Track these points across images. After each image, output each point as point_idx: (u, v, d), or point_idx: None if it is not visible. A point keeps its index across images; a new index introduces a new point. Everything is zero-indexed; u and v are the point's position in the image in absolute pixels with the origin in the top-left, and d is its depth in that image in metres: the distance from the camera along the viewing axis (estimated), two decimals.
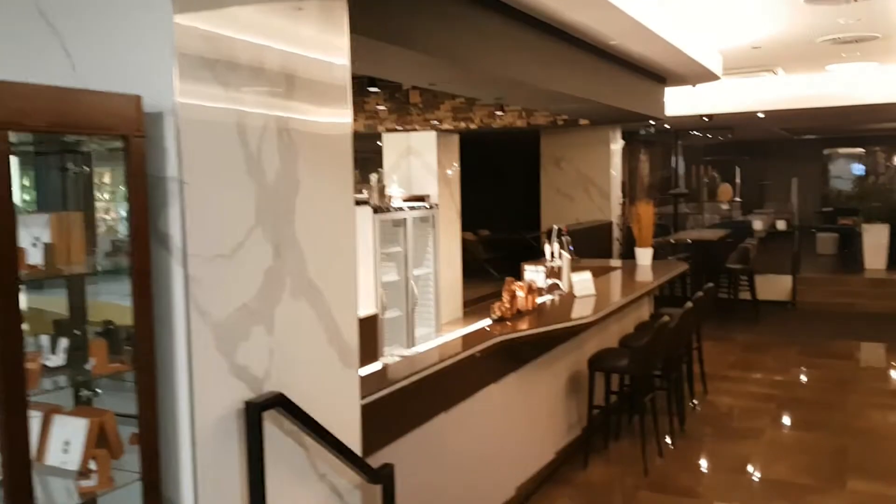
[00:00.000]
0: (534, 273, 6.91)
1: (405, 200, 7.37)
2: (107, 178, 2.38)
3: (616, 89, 6.50)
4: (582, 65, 5.70)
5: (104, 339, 2.24)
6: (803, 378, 7.48)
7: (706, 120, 11.71)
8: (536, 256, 6.46)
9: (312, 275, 2.58)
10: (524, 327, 4.31)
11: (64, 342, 2.13)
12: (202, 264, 2.17)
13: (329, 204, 2.68)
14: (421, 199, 7.60)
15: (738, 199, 17.90)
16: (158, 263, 2.14)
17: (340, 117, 2.74)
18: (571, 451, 5.13)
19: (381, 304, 6.59)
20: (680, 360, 5.85)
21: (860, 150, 20.19)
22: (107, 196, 2.36)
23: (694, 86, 8.93)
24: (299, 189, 2.53)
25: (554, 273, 6.16)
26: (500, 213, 14.87)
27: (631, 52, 6.07)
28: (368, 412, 2.93)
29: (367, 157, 9.30)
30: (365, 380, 3.19)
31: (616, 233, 12.01)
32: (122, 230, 2.16)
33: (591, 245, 10.57)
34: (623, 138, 13.05)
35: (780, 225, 14.27)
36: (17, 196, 1.98)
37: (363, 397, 2.96)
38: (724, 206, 16.64)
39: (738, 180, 19.09)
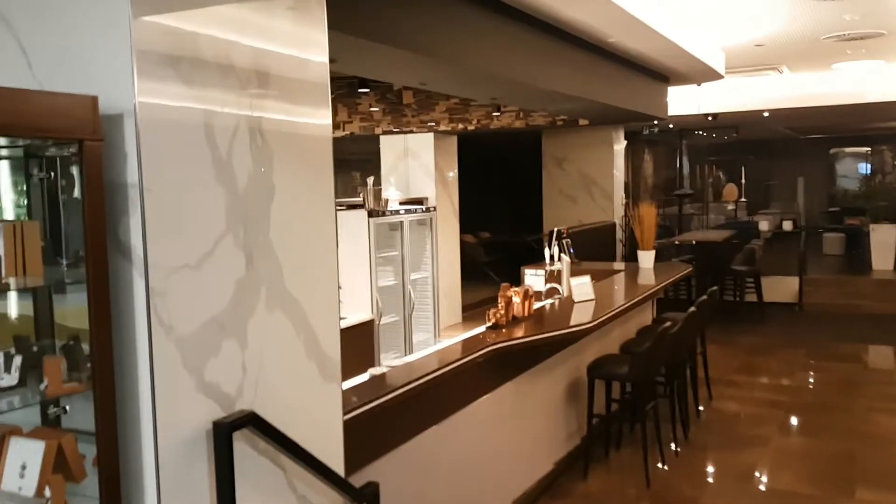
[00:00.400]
0: (533, 277, 6.79)
1: (402, 203, 7.24)
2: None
3: (616, 88, 6.35)
4: (580, 63, 5.55)
5: (66, 355, 2.11)
6: (810, 382, 7.31)
7: (711, 119, 11.54)
8: (538, 259, 6.32)
9: (289, 285, 2.44)
10: (519, 335, 4.16)
11: (17, 360, 2.00)
12: (166, 276, 2.04)
13: (307, 209, 2.54)
14: (418, 201, 7.47)
15: (743, 199, 17.71)
16: (118, 275, 2.01)
17: (319, 118, 2.60)
18: (571, 461, 4.98)
19: (377, 309, 6.46)
20: (683, 365, 5.70)
21: (867, 149, 19.96)
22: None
23: (699, 85, 8.77)
24: (274, 194, 2.39)
25: (554, 277, 6.03)
26: (502, 215, 14.73)
27: (630, 50, 5.92)
28: (353, 427, 2.79)
29: (366, 160, 9.17)
30: (350, 392, 3.05)
31: (619, 234, 11.86)
32: None
33: (593, 247, 10.42)
34: (626, 138, 12.90)
35: (787, 225, 14.09)
36: None
37: (347, 411, 2.82)
38: (730, 207, 16.46)
39: (743, 180, 18.89)
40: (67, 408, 2.20)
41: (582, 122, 8.43)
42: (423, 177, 7.85)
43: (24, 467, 2.03)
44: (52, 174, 2.24)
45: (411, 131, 7.94)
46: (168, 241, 2.04)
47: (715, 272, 10.35)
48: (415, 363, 3.49)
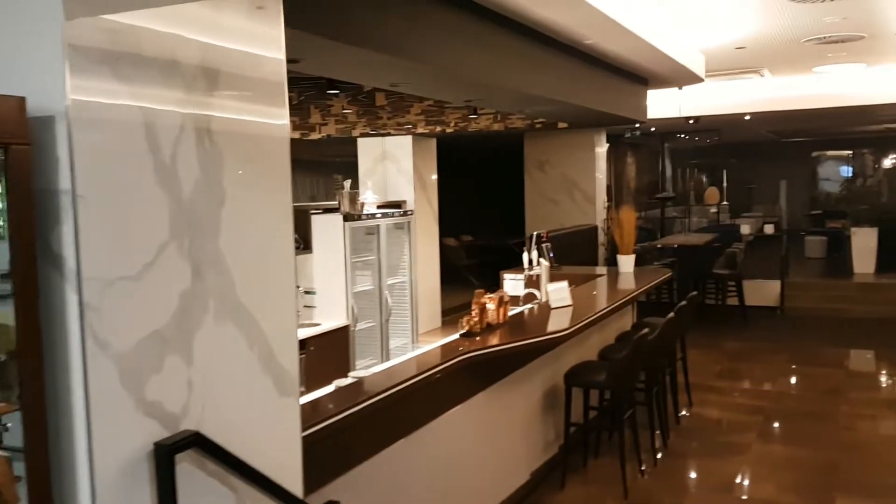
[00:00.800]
0: (512, 281, 6.69)
1: (379, 207, 7.12)
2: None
3: (594, 91, 6.25)
4: (557, 66, 5.45)
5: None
6: (792, 388, 7.26)
7: (692, 122, 11.50)
8: (521, 262, 6.22)
9: (241, 295, 2.31)
10: (493, 343, 4.05)
11: None
12: (101, 288, 1.90)
13: (262, 215, 2.41)
14: (396, 205, 7.35)
15: (725, 202, 17.73)
16: (50, 288, 1.87)
17: (275, 118, 2.47)
18: (548, 470, 4.87)
19: (352, 314, 6.32)
20: (663, 371, 5.61)
21: (848, 152, 20.06)
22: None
23: (680, 88, 8.71)
24: (225, 199, 2.26)
25: (533, 282, 5.93)
26: (485, 218, 14.64)
27: (608, 52, 5.83)
28: (313, 443, 2.66)
29: (349, 162, 9.03)
30: (312, 406, 2.92)
31: (601, 238, 11.79)
32: None
33: (575, 251, 10.34)
34: (608, 141, 12.84)
35: (768, 228, 14.10)
36: None
37: (308, 427, 2.69)
38: (712, 210, 16.46)
39: (725, 183, 18.93)
40: (9, 426, 2.06)
41: (561, 124, 8.33)
42: (401, 180, 7.73)
43: None
44: None
45: (388, 134, 7.83)
46: (104, 251, 1.91)
47: (697, 276, 10.31)
48: (383, 374, 3.37)
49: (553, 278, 5.67)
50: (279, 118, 2.49)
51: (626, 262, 6.98)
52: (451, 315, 9.07)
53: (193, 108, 2.16)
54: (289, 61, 2.57)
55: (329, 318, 6.26)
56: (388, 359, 6.66)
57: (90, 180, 1.87)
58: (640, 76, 7.22)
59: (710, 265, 10.44)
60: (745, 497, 4.68)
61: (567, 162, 12.15)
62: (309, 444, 2.61)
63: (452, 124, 7.42)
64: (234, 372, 2.30)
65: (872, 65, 8.91)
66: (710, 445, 5.55)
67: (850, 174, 19.69)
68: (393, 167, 7.69)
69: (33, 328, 1.83)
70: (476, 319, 4.23)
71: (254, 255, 2.37)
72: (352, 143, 8.19)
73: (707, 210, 16.72)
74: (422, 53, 3.74)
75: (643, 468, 4.96)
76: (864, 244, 11.35)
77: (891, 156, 18.82)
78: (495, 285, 6.22)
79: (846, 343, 8.80)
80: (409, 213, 7.24)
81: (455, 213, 14.18)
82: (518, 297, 5.49)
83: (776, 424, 6.08)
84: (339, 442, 2.95)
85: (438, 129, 7.63)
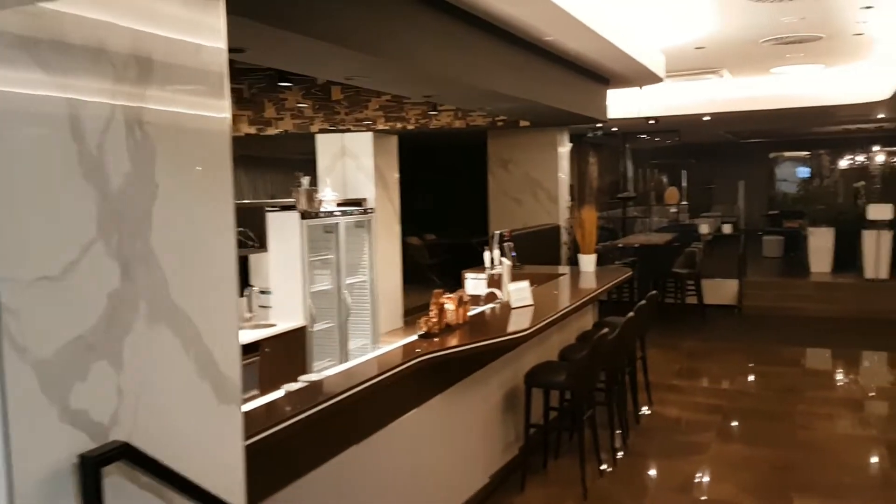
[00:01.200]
0: (474, 281, 6.61)
1: (339, 205, 6.98)
2: None
3: (555, 89, 6.20)
4: (518, 63, 5.38)
5: None
6: (750, 387, 7.32)
7: (653, 123, 11.58)
8: (483, 262, 6.15)
9: (176, 296, 2.18)
10: (453, 343, 3.96)
11: None
12: (19, 290, 1.76)
13: (199, 211, 2.28)
14: (356, 203, 7.22)
15: (685, 202, 17.94)
16: None
17: (214, 110, 2.33)
18: (507, 473, 4.80)
19: (310, 315, 6.18)
20: (623, 371, 5.59)
21: (806, 153, 20.47)
22: None
23: (640, 88, 8.73)
24: (158, 194, 2.12)
25: (495, 281, 5.86)
26: (449, 217, 14.58)
27: (569, 50, 5.79)
28: (258, 452, 2.54)
29: (309, 160, 8.85)
30: (257, 413, 2.80)
31: (564, 237, 11.80)
32: None
33: (538, 250, 10.32)
34: (571, 141, 12.87)
35: (727, 228, 14.29)
36: None
37: (252, 435, 2.56)
38: (672, 210, 16.64)
39: (684, 183, 19.16)
40: None
41: (523, 123, 8.29)
42: (361, 177, 7.60)
43: None
44: None
45: (348, 130, 7.69)
46: (21, 250, 1.76)
47: (657, 274, 10.38)
48: (335, 377, 3.25)
49: (515, 278, 5.61)
50: (219, 110, 2.35)
51: (588, 262, 6.97)
52: (413, 315, 8.96)
53: (124, 98, 2.02)
54: (232, 50, 2.45)
55: (285, 318, 6.11)
56: (347, 360, 6.52)
57: (6, 174, 1.73)
58: (600, 75, 7.20)
59: (670, 264, 10.52)
60: (704, 497, 4.67)
61: (530, 161, 12.14)
62: (253, 453, 2.48)
63: (413, 121, 7.31)
64: (168, 378, 2.17)
65: (830, 66, 9.04)
66: (670, 445, 5.55)
67: (808, 175, 20.09)
68: (353, 164, 7.55)
69: None
70: (435, 320, 4.14)
71: (190, 253, 2.24)
72: (311, 140, 8.02)
73: (667, 210, 16.90)
74: (377, 46, 3.62)
75: (603, 468, 4.92)
76: (820, 244, 11.54)
77: (847, 157, 19.26)
78: (458, 284, 6.14)
79: (803, 342, 8.92)
80: (369, 211, 7.11)
81: (418, 212, 14.10)
82: (480, 296, 5.42)
83: (734, 423, 6.11)
84: (286, 450, 2.83)
85: (399, 125, 7.51)
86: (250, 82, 4.85)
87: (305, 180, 6.58)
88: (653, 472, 5.17)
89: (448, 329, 4.23)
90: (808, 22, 6.32)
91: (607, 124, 11.77)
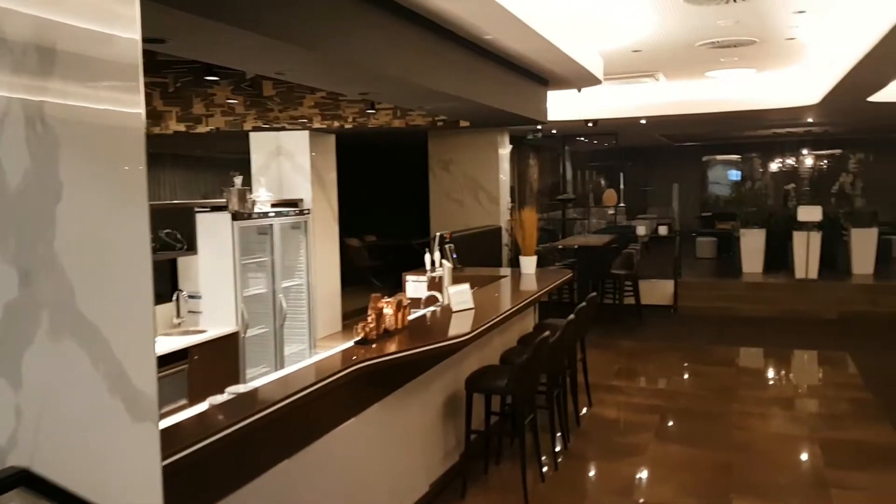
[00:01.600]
0: (415, 283, 6.50)
1: (273, 205, 6.76)
2: None
3: (494, 89, 6.14)
4: (457, 61, 5.29)
5: None
6: (686, 386, 7.41)
7: (591, 125, 11.69)
8: (424, 264, 6.03)
9: (83, 306, 1.98)
10: (391, 349, 3.83)
11: None
12: None
13: (110, 213, 2.09)
14: (292, 203, 7.01)
15: (622, 204, 18.24)
16: None
17: (127, 104, 2.15)
18: (448, 480, 4.69)
19: (242, 320, 5.95)
20: (564, 374, 5.57)
21: (737, 156, 21.09)
22: None
23: (579, 90, 8.78)
24: (63, 194, 1.93)
25: (435, 284, 5.76)
26: (389, 218, 14.41)
27: (508, 49, 5.73)
28: (178, 472, 2.36)
29: (244, 159, 8.57)
30: (177, 429, 2.61)
31: (505, 238, 11.80)
32: None
33: (479, 252, 10.27)
34: (511, 142, 12.89)
35: (662, 230, 14.56)
36: None
37: (172, 453, 2.38)
38: (610, 212, 16.88)
39: (622, 186, 19.49)
40: None
41: (463, 123, 8.22)
42: (297, 177, 7.38)
43: None
44: None
45: (283, 128, 7.45)
46: None
47: (596, 276, 10.47)
48: (263, 389, 3.08)
49: (456, 280, 5.52)
50: (132, 105, 2.17)
51: (528, 264, 6.94)
52: (352, 318, 8.78)
53: (23, 90, 1.82)
54: (151, 41, 2.27)
55: (217, 324, 5.86)
56: (282, 366, 6.32)
57: None
58: (540, 76, 7.18)
59: (609, 265, 10.63)
60: (643, 500, 4.66)
61: (471, 162, 12.11)
62: (172, 474, 2.30)
63: (351, 119, 7.14)
64: (75, 396, 1.97)
65: (762, 70, 9.27)
66: (610, 447, 5.54)
67: (739, 178, 20.71)
68: (288, 164, 7.32)
69: None
70: (372, 325, 3.99)
71: (99, 258, 2.05)
72: (245, 138, 7.76)
73: (605, 211, 17.13)
74: (309, 39, 3.46)
75: (544, 472, 4.87)
76: (752, 245, 11.85)
77: (777, 160, 19.93)
78: (399, 287, 6.02)
79: (736, 341, 9.11)
80: (305, 212, 6.91)
81: (358, 213, 13.88)
82: (420, 299, 5.30)
83: (672, 424, 6.16)
84: (210, 468, 2.65)
85: (336, 124, 7.33)
86: (175, 75, 4.60)
87: (238, 180, 6.34)
88: (593, 475, 5.15)
89: (386, 334, 4.10)
90: (743, 26, 6.44)
91: (547, 126, 11.83)
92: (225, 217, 5.88)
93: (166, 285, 6.09)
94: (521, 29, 4.89)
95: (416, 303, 5.38)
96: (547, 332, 4.83)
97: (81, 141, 1.98)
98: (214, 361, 5.71)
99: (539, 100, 7.67)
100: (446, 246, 6.56)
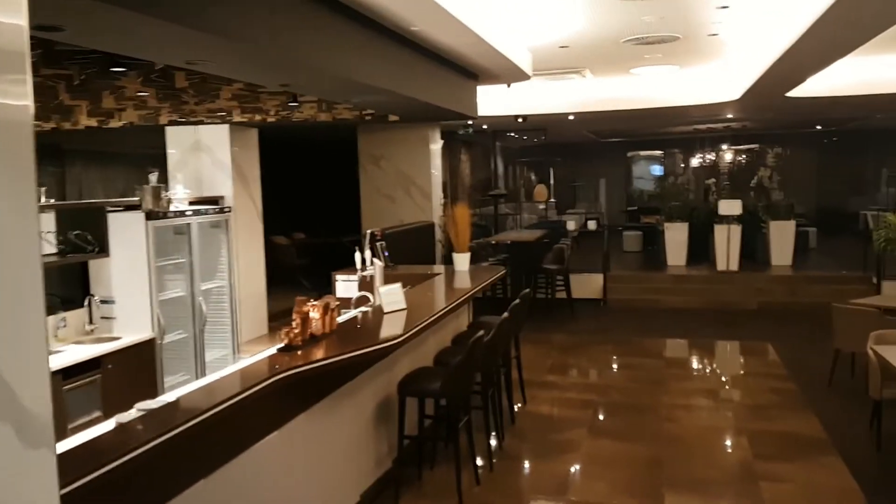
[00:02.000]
0: (345, 283, 6.28)
1: (192, 203, 6.42)
2: None
3: (423, 83, 5.98)
4: (384, 53, 5.11)
5: None
6: (617, 380, 7.47)
7: (521, 121, 11.70)
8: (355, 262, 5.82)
9: None
10: (318, 356, 3.62)
11: None
12: None
13: None
14: (212, 201, 6.68)
15: (552, 199, 18.43)
16: None
17: (12, 97, 1.89)
18: (380, 488, 4.53)
19: (158, 325, 5.62)
20: (498, 373, 5.48)
21: (660, 152, 21.63)
22: None
23: (509, 86, 8.73)
24: None
25: (367, 283, 5.57)
26: (319, 215, 14.08)
27: (437, 42, 5.58)
28: (80, 499, 2.12)
29: (159, 154, 8.14)
30: (78, 453, 2.36)
31: (439, 234, 11.69)
32: None
33: (412, 249, 10.11)
34: (442, 138, 12.79)
35: (591, 224, 14.76)
36: None
37: (72, 480, 2.14)
38: (541, 207, 17.02)
39: (552, 181, 19.69)
40: None
41: (392, 117, 8.03)
42: (218, 174, 7.04)
43: None
44: None
45: (201, 122, 7.09)
46: None
47: (528, 271, 10.49)
48: (175, 404, 2.84)
49: (388, 279, 5.35)
50: (18, 97, 1.91)
51: (462, 260, 6.83)
52: (280, 320, 8.46)
53: None
54: (48, 28, 2.01)
55: (132, 330, 5.52)
56: (204, 373, 6.02)
57: None
58: (469, 70, 7.07)
59: (541, 260, 10.66)
60: (578, 499, 4.61)
61: (402, 157, 11.95)
62: (74, 499, 2.07)
63: (273, 113, 6.85)
64: None
65: (685, 66, 9.44)
66: (544, 444, 5.49)
67: (662, 173, 21.24)
68: (207, 159, 6.97)
69: None
70: (297, 331, 3.79)
71: None
72: (161, 133, 7.35)
73: (536, 207, 17.26)
74: (221, 27, 3.21)
75: (479, 473, 4.76)
76: (675, 238, 12.11)
77: (698, 155, 20.53)
78: (330, 286, 5.80)
79: (663, 333, 9.27)
80: (226, 209, 6.59)
81: (286, 210, 13.49)
82: (351, 299, 5.11)
83: (604, 418, 6.17)
84: (117, 493, 2.41)
85: (258, 117, 7.02)
86: (79, 67, 4.26)
87: (154, 176, 5.99)
88: (528, 475, 5.08)
89: (313, 340, 3.89)
90: (667, 22, 6.49)
91: (478, 121, 11.76)
92: (138, 217, 5.53)
93: (77, 290, 5.70)
94: (449, 21, 4.76)
95: (346, 303, 5.18)
96: (481, 332, 4.72)
97: None
98: (130, 370, 5.37)
99: (469, 94, 7.56)
100: (377, 244, 6.38)
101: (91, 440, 2.52)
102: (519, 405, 6.22)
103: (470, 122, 12.05)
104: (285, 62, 3.90)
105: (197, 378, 5.42)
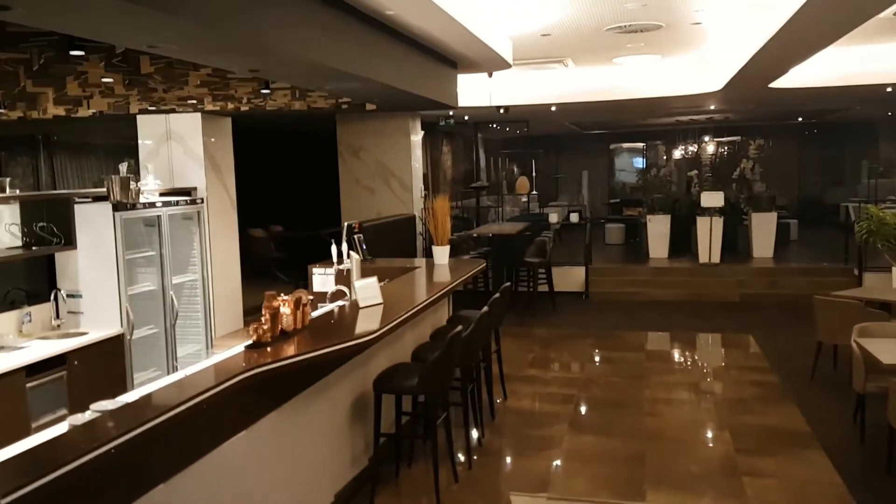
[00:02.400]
0: (322, 276, 6.15)
1: (162, 194, 6.23)
2: None
3: (401, 70, 5.82)
4: (358, 38, 4.94)
5: None
6: (598, 374, 7.38)
7: (503, 112, 11.56)
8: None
9: None
10: (288, 353, 3.48)
11: None
12: None
13: None
14: (184, 192, 6.49)
15: (534, 192, 18.33)
16: None
17: None
18: (356, 487, 4.41)
19: (127, 320, 5.44)
20: (478, 368, 5.37)
21: (642, 144, 21.60)
22: None
23: (490, 75, 8.59)
24: None
25: (343, 277, 5.43)
26: (298, 207, 13.89)
27: (414, 28, 5.43)
28: None
29: (131, 145, 7.90)
30: (27, 459, 2.21)
31: (420, 227, 11.55)
32: None
33: (392, 241, 9.98)
34: (423, 129, 12.64)
35: (574, 217, 14.68)
36: None
37: (17, 488, 2.00)
38: (523, 199, 16.92)
39: (534, 173, 19.60)
40: None
41: (369, 106, 7.85)
42: (190, 163, 6.84)
43: None
44: None
45: (172, 111, 6.88)
46: None
47: (510, 264, 10.38)
48: (133, 405, 2.69)
49: (366, 272, 5.22)
50: None
51: (441, 254, 6.69)
52: (256, 315, 8.29)
53: None
54: None
55: (99, 325, 5.34)
56: (176, 369, 5.85)
57: None
58: (448, 58, 6.91)
59: (523, 253, 10.56)
60: (558, 497, 4.51)
61: (382, 148, 11.80)
62: None
63: (245, 101, 6.65)
64: None
65: (666, 56, 9.34)
66: (524, 440, 5.39)
67: (644, 165, 21.21)
68: (179, 149, 6.77)
69: None
70: (266, 327, 3.64)
71: None
72: (133, 122, 7.13)
73: (519, 199, 17.16)
74: (181, 6, 3.04)
75: (457, 471, 4.65)
76: (657, 231, 12.05)
77: (680, 147, 20.52)
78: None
79: (645, 326, 9.20)
80: (198, 201, 6.40)
81: (263, 202, 13.29)
82: (326, 293, 4.97)
83: (586, 413, 6.08)
84: (69, 500, 2.26)
85: (231, 105, 6.82)
86: (36, 50, 4.05)
87: (124, 166, 5.79)
88: (508, 473, 4.97)
89: (283, 336, 3.75)
90: (650, 10, 6.38)
91: (459, 112, 11.61)
92: (106, 208, 5.34)
93: (43, 284, 5.51)
94: (426, 5, 4.60)
95: (322, 297, 5.04)
96: (459, 328, 4.60)
97: None
98: (98, 366, 5.19)
99: (448, 83, 7.40)
100: (355, 236, 6.24)
101: (38, 445, 2.37)
102: (499, 400, 6.11)
103: (451, 113, 11.89)
104: (250, 45, 3.73)
105: (168, 374, 5.26)
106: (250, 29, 3.57)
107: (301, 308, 3.98)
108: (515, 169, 21.84)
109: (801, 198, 18.92)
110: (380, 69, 5.42)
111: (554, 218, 13.61)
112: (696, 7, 6.42)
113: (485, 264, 6.92)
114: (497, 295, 5.68)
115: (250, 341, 3.55)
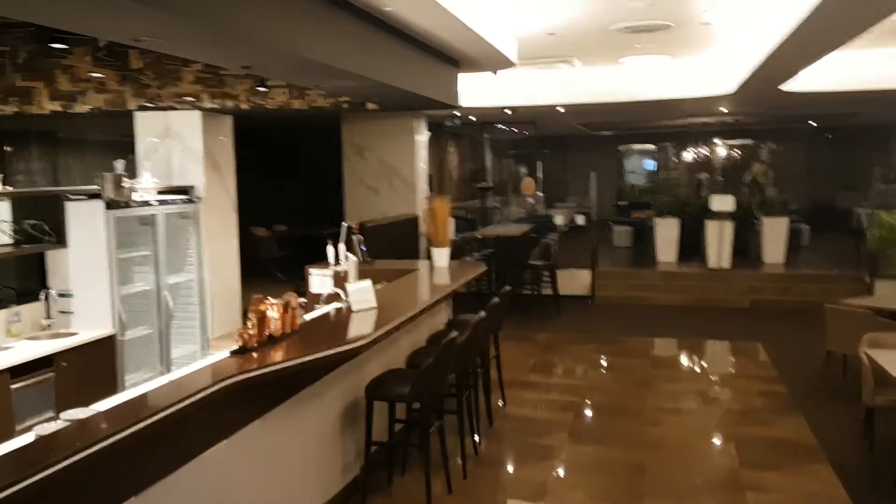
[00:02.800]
0: (320, 278, 6.03)
1: (160, 192, 6.14)
2: None
3: (399, 68, 5.69)
4: (355, 35, 4.82)
5: None
6: (601, 381, 7.21)
7: (510, 113, 11.43)
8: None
9: None
10: (274, 359, 3.36)
11: None
12: None
13: None
14: (182, 190, 6.39)
15: (540, 193, 18.17)
16: None
17: None
18: (347, 496, 4.29)
19: (119, 321, 5.34)
20: (475, 374, 5.23)
21: (652, 146, 21.39)
22: None
23: (495, 73, 8.45)
24: None
25: (341, 279, 5.31)
26: (301, 206, 13.80)
27: (413, 25, 5.30)
28: None
29: (128, 142, 7.79)
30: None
31: (423, 228, 11.43)
32: None
33: (395, 242, 9.85)
34: (430, 129, 12.53)
35: (580, 219, 14.52)
36: None
37: None
38: (529, 200, 16.77)
39: (540, 175, 19.43)
40: None
41: (370, 106, 7.73)
42: (189, 162, 6.74)
43: None
44: None
45: (171, 108, 6.79)
46: None
47: (514, 266, 10.24)
48: (106, 414, 2.58)
49: (364, 274, 5.10)
50: None
51: (441, 256, 6.57)
52: None
53: None
54: None
55: (90, 325, 5.24)
56: (169, 370, 5.75)
57: None
58: (450, 56, 6.77)
59: (527, 256, 10.43)
60: None
61: (387, 148, 11.68)
62: None
63: (244, 98, 6.55)
64: None
65: (676, 57, 9.17)
66: (522, 449, 5.26)
67: (654, 167, 21.00)
68: (178, 147, 6.67)
69: None
70: (252, 332, 3.53)
71: None
72: (131, 119, 7.05)
73: (524, 200, 17.01)
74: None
75: (451, 481, 4.51)
76: (666, 234, 11.87)
77: (691, 149, 20.30)
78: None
79: (651, 331, 9.02)
80: (196, 200, 6.30)
81: (268, 201, 13.20)
82: (322, 296, 4.86)
83: (587, 422, 5.94)
84: None
85: (230, 103, 6.72)
86: (20, 41, 3.95)
87: (120, 164, 5.70)
88: (504, 483, 4.84)
89: (271, 341, 3.63)
90: (658, 9, 6.23)
91: (465, 113, 11.48)
92: (98, 206, 5.24)
93: (34, 283, 5.42)
94: (425, 1, 4.47)
95: (317, 299, 4.93)
96: (454, 333, 4.47)
97: None
98: (87, 368, 5.10)
99: (449, 82, 7.26)
100: (354, 237, 6.13)
101: (10, 452, 2.26)
102: (500, 403, 5.98)
103: (457, 114, 11.77)
104: (237, 39, 3.61)
105: (161, 375, 5.16)
106: (236, 21, 3.46)
107: (290, 311, 3.87)
108: (521, 170, 21.70)
109: (812, 203, 18.68)
110: (378, 68, 5.29)
111: (560, 220, 13.46)
112: (706, 6, 6.27)
113: (485, 268, 6.78)
114: (495, 299, 5.55)
115: (235, 347, 3.43)
